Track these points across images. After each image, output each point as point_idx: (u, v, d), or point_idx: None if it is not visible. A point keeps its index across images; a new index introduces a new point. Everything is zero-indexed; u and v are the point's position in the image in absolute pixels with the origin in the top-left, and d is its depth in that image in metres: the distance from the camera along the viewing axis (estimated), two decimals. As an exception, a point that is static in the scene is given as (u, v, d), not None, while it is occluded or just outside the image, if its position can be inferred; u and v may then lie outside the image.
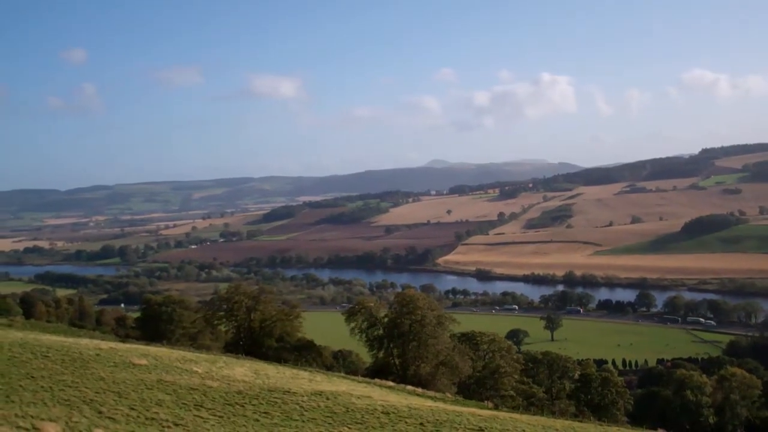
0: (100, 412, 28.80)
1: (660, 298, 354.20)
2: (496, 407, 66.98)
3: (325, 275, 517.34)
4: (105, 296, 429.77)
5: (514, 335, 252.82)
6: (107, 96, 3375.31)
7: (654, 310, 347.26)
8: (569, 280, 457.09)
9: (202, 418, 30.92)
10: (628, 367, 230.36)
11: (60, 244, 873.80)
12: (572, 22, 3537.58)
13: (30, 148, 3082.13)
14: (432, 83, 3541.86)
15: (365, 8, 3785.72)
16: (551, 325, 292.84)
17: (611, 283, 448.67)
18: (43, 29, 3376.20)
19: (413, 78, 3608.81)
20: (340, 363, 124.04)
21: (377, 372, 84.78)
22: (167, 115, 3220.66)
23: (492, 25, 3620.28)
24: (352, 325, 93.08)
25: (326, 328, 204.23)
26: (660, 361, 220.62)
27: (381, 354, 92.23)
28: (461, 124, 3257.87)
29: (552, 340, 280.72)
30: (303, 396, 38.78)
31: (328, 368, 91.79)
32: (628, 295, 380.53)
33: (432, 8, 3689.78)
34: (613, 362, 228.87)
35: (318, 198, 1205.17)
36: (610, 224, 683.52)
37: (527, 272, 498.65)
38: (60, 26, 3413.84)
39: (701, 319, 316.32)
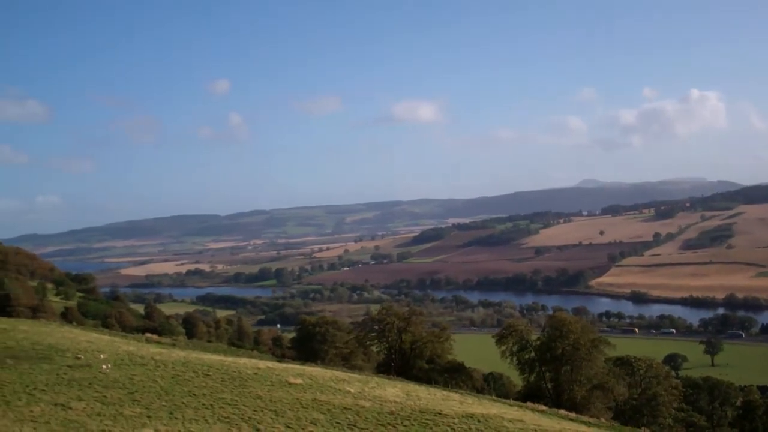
0: (257, 430, 29.69)
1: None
2: (654, 435, 64.47)
3: (474, 297, 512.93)
4: (262, 317, 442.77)
5: (672, 360, 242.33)
6: (252, 124, 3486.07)
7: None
8: (730, 302, 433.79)
9: (355, 438, 31.31)
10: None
11: (220, 266, 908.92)
12: (714, 37, 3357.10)
13: (188, 176, 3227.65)
14: (574, 102, 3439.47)
15: (500, 30, 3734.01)
16: (711, 349, 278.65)
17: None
18: (189, 63, 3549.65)
19: (553, 98, 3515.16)
20: (490, 386, 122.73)
21: (529, 396, 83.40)
22: (312, 142, 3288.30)
23: (634, 43, 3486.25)
24: (503, 348, 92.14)
25: (476, 350, 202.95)
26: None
27: (532, 377, 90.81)
28: (607, 143, 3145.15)
29: (712, 365, 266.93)
30: (454, 418, 38.56)
31: (479, 391, 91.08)
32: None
33: (569, 29, 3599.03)
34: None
35: (467, 220, 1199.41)
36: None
37: (685, 295, 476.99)
38: (204, 59, 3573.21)
39: None
